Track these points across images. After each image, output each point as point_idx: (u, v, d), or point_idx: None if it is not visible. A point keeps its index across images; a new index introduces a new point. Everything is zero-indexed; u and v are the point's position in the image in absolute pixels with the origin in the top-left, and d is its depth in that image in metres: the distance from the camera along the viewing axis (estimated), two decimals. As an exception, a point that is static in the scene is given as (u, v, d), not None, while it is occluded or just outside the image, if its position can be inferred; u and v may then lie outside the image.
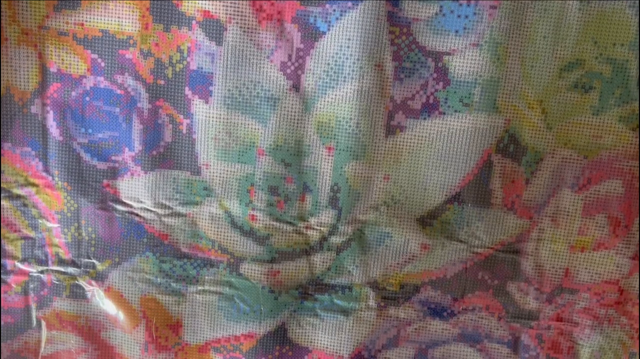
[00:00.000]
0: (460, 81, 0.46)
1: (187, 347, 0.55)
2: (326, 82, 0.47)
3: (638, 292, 0.50)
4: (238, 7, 0.45)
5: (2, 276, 0.52)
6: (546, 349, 0.53)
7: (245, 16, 0.46)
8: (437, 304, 0.52)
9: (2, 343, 0.54)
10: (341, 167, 0.49)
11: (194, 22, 0.46)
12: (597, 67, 0.46)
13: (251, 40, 0.46)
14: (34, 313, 0.53)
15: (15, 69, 0.47)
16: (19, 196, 0.50)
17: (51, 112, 0.48)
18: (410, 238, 0.50)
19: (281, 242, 0.51)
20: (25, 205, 0.50)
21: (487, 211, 0.49)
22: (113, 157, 0.49)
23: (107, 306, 0.54)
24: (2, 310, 0.53)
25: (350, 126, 0.48)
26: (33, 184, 0.50)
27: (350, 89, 0.47)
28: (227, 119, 0.48)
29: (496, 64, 0.46)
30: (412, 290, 0.52)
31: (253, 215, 0.50)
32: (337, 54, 0.46)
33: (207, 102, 0.48)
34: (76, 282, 0.53)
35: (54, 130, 0.49)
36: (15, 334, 0.54)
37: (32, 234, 0.51)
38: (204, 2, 0.45)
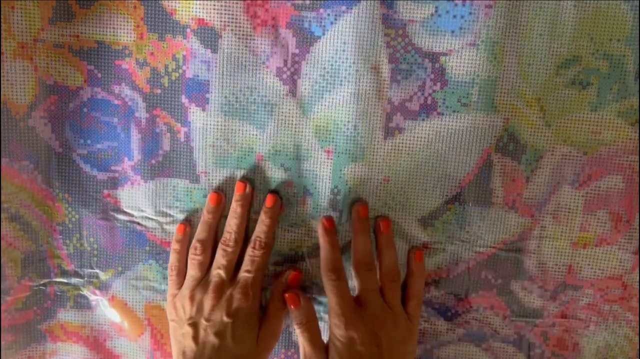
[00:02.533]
0: (457, 81, 0.46)
1: (192, 354, 0.55)
2: (323, 86, 0.47)
3: (638, 286, 0.50)
4: (232, 14, 0.45)
5: (2, 295, 0.52)
6: (551, 347, 0.53)
7: (240, 23, 0.45)
8: (441, 304, 0.52)
9: None
10: (341, 170, 0.49)
11: (188, 30, 0.46)
12: (594, 63, 0.45)
13: (246, 46, 0.46)
14: (37, 327, 0.54)
15: (11, 83, 0.47)
16: (18, 210, 0.50)
17: (49, 124, 0.48)
18: (412, 239, 0.50)
19: (283, 246, 0.51)
20: (25, 219, 0.50)
21: (489, 210, 0.49)
22: (113, 167, 0.50)
23: (112, 315, 0.54)
24: (4, 328, 0.53)
25: (348, 129, 0.47)
26: (32, 197, 0.50)
27: (347, 92, 0.47)
28: (225, 126, 0.48)
29: (493, 63, 0.45)
30: (415, 291, 0.51)
31: (255, 219, 0.50)
32: (332, 57, 0.46)
33: (204, 110, 0.48)
34: (80, 292, 0.53)
35: (53, 142, 0.49)
36: (19, 350, 0.54)
37: (32, 247, 0.51)
38: (198, 10, 0.45)
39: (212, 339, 0.47)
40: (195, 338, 0.47)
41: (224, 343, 0.47)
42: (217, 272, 0.48)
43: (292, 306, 0.49)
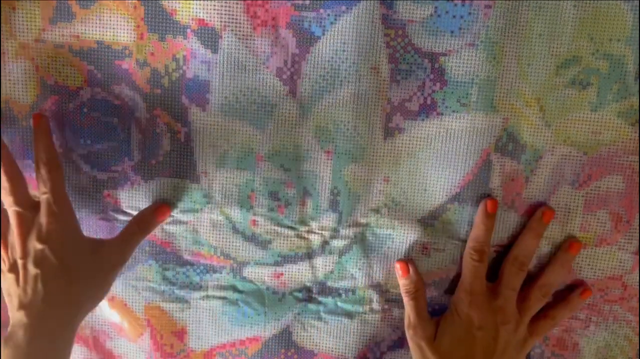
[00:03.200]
0: (457, 81, 0.46)
1: (192, 354, 0.55)
2: (323, 87, 0.47)
3: (638, 287, 0.50)
4: (232, 15, 0.45)
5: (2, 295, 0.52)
6: (551, 347, 0.52)
7: (240, 23, 0.46)
8: (440, 304, 0.52)
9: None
10: (340, 171, 0.49)
11: (188, 30, 0.46)
12: (594, 63, 0.45)
13: (246, 47, 0.46)
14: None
15: (13, 82, 0.47)
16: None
17: (49, 124, 0.48)
18: (411, 239, 0.50)
19: (283, 247, 0.51)
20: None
21: (488, 210, 0.49)
22: (113, 168, 0.50)
23: (112, 315, 0.54)
24: (4, 328, 0.53)
25: (348, 129, 0.47)
26: (33, 197, 0.50)
27: (347, 92, 0.47)
28: (225, 126, 0.48)
29: (492, 63, 0.45)
30: (415, 291, 0.52)
31: (254, 220, 0.50)
32: (332, 58, 0.46)
33: (204, 110, 0.48)
34: (80, 292, 0.53)
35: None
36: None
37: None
38: (198, 10, 0.45)
39: (33, 270, 0.43)
40: (17, 279, 0.44)
41: (46, 269, 0.43)
42: (12, 210, 0.45)
43: (401, 275, 0.49)
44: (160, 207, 0.49)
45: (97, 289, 0.47)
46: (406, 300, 0.50)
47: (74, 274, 0.44)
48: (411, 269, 0.49)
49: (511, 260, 0.48)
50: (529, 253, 0.48)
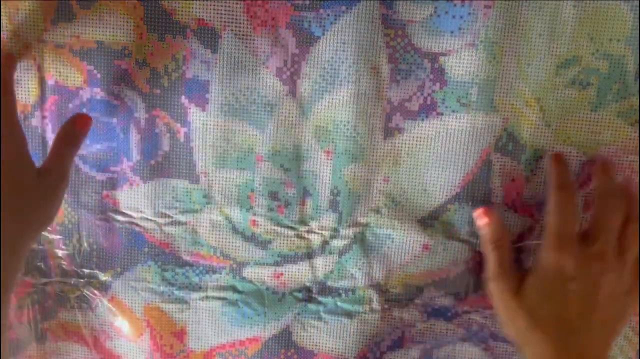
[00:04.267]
0: (457, 81, 0.46)
1: (192, 354, 0.55)
2: (322, 87, 0.47)
3: (638, 286, 0.50)
4: (232, 14, 0.45)
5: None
6: (551, 347, 0.52)
7: (240, 23, 0.46)
8: (440, 305, 0.52)
9: None
10: (340, 171, 0.49)
11: (188, 30, 0.46)
12: (594, 63, 0.45)
13: (246, 47, 0.46)
14: (38, 326, 0.54)
15: (17, 82, 0.47)
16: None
17: (50, 124, 0.48)
18: (411, 239, 0.50)
19: (283, 247, 0.51)
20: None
21: (488, 210, 0.49)
22: (112, 168, 0.50)
23: (112, 315, 0.54)
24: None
25: (348, 129, 0.47)
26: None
27: (347, 92, 0.47)
28: (225, 126, 0.48)
29: (492, 63, 0.46)
30: (415, 291, 0.51)
31: (254, 220, 0.50)
32: (332, 58, 0.46)
33: (204, 110, 0.48)
34: (80, 293, 0.53)
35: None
36: (20, 349, 0.54)
37: (33, 246, 0.51)
38: (198, 10, 0.45)
39: None
40: None
41: None
42: None
43: (485, 222, 0.45)
44: (80, 116, 0.46)
45: (44, 209, 0.44)
46: (489, 249, 0.45)
47: (21, 193, 0.42)
48: (494, 216, 0.45)
49: (602, 194, 0.43)
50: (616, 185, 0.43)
